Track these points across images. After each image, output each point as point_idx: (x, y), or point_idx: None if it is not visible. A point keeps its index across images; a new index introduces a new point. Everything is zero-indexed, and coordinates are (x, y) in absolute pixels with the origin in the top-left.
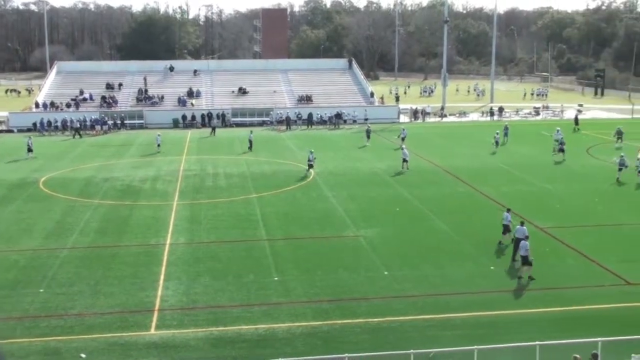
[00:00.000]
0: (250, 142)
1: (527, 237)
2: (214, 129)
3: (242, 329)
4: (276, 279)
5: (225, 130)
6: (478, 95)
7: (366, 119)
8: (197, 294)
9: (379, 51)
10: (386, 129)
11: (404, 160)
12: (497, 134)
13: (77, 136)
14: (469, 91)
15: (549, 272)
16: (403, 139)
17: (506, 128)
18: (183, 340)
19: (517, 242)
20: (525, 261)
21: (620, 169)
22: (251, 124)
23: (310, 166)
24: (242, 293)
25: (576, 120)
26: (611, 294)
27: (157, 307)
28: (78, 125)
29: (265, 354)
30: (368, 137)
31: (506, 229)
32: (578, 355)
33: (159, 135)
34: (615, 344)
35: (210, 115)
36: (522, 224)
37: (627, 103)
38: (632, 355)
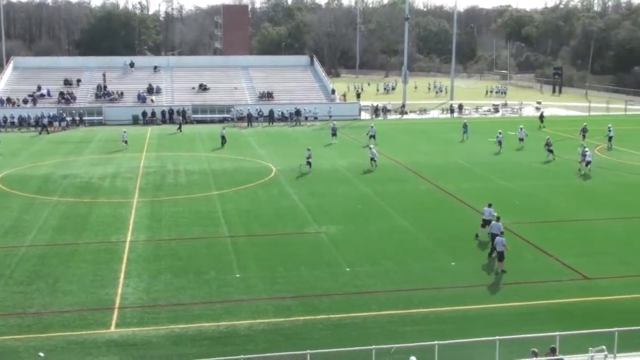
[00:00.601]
0: (224, 137)
1: (502, 233)
2: (180, 125)
3: (203, 326)
4: (238, 276)
5: (185, 127)
6: (437, 92)
7: (330, 116)
8: (158, 291)
9: (340, 48)
10: (347, 126)
11: (372, 159)
12: (500, 133)
13: (44, 132)
14: (429, 88)
15: (508, 267)
16: (372, 137)
17: (465, 126)
18: (144, 338)
19: (493, 237)
20: (502, 256)
21: (581, 161)
22: (212, 121)
23: (309, 163)
24: (204, 290)
25: (541, 117)
26: (569, 289)
27: (117, 305)
28: (46, 122)
29: (227, 351)
30: (334, 134)
31: (486, 223)
32: (536, 349)
33: (125, 132)
34: (573, 337)
35: (178, 112)
36: (497, 219)
37: (585, 101)
38: (589, 348)
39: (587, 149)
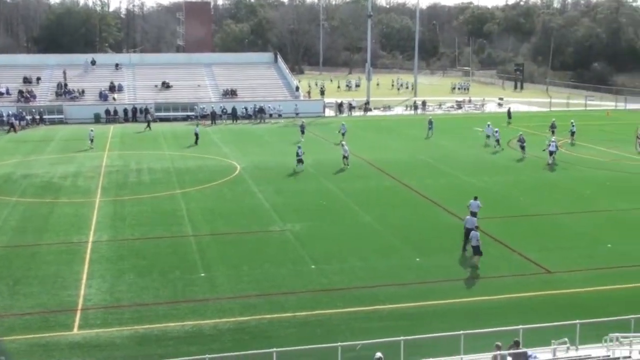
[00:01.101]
0: (197, 135)
1: (477, 228)
2: (149, 123)
3: (168, 327)
4: (203, 275)
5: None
6: (399, 88)
7: (297, 114)
8: (121, 292)
9: (303, 45)
10: (311, 123)
11: (344, 157)
12: (489, 125)
13: (11, 131)
14: (393, 85)
15: (472, 262)
16: (343, 135)
17: (430, 122)
18: (107, 340)
19: (467, 232)
20: (477, 251)
21: (550, 153)
22: (175, 119)
23: (300, 161)
24: (168, 290)
25: (509, 114)
26: (532, 283)
27: (80, 306)
28: (13, 120)
29: (192, 351)
30: (302, 132)
31: (473, 215)
32: (500, 343)
33: (91, 130)
34: (536, 331)
35: (141, 110)
36: (472, 214)
37: (546, 96)
38: (552, 341)
39: (554, 139)
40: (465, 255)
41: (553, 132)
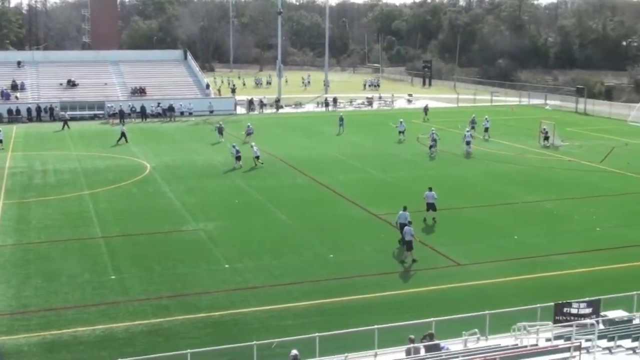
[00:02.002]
0: (123, 133)
1: (410, 222)
2: (65, 122)
3: (78, 331)
4: (113, 277)
5: (54, 124)
6: (305, 85)
7: (211, 112)
8: (28, 297)
9: (213, 42)
10: (222, 121)
11: (256, 157)
12: (401, 122)
13: None
14: (303, 82)
15: (385, 257)
16: (249, 135)
17: (341, 119)
18: (14, 347)
19: (401, 227)
20: (410, 246)
21: (468, 143)
22: (82, 118)
23: (238, 158)
24: (77, 294)
25: (425, 110)
26: (443, 276)
27: None
28: None
29: (104, 356)
30: (220, 133)
31: (429, 207)
32: (412, 336)
33: None
34: (448, 322)
35: (45, 110)
36: (404, 209)
37: (453, 93)
38: (463, 332)
39: (468, 130)
40: (401, 251)
41: (473, 127)
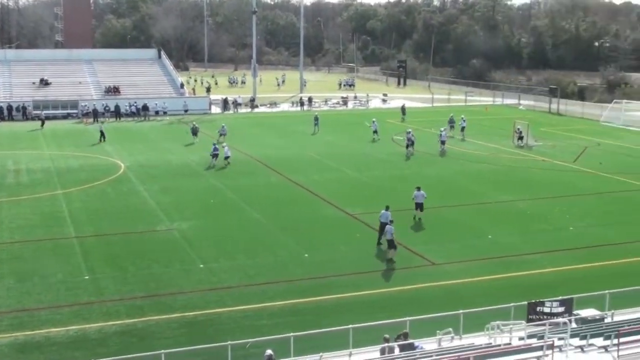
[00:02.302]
0: (102, 133)
1: (391, 222)
2: (43, 121)
3: (51, 332)
4: (87, 277)
5: (27, 123)
6: (279, 85)
7: (186, 111)
8: (0, 297)
9: (188, 41)
10: (197, 120)
11: (226, 157)
12: (374, 121)
13: None
14: (277, 82)
15: (360, 256)
16: (222, 136)
17: (316, 118)
18: None
19: (382, 226)
20: (392, 245)
21: (407, 145)
22: (55, 117)
23: (215, 156)
24: (50, 294)
25: (403, 110)
26: (418, 275)
27: None
28: None
29: (77, 356)
30: (194, 134)
31: (417, 206)
32: (387, 335)
33: None
34: (422, 322)
35: (18, 108)
36: (386, 208)
37: (428, 92)
38: (437, 331)
39: (443, 129)
40: (380, 249)
41: (452, 126)
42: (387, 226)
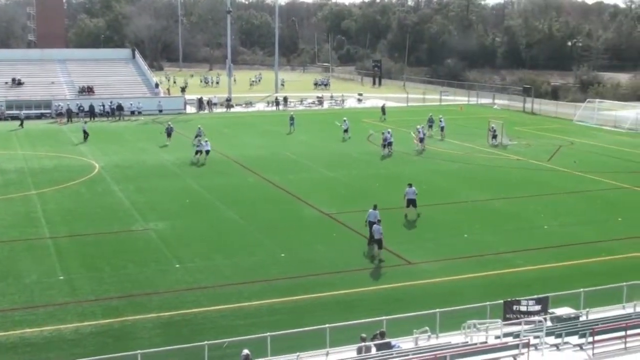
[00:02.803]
0: (85, 132)
1: (379, 221)
2: (22, 121)
3: (25, 333)
4: (61, 278)
5: (0, 123)
6: (253, 84)
7: (160, 111)
8: None
9: (162, 41)
10: (172, 120)
11: (206, 152)
12: (345, 120)
13: None
14: (250, 83)
15: (335, 255)
16: (197, 137)
17: (292, 118)
18: None
19: (370, 225)
20: (380, 244)
21: (384, 145)
22: (28, 117)
23: (198, 152)
24: (25, 295)
25: (383, 110)
26: (394, 274)
27: None
28: None
29: (52, 357)
30: (169, 135)
31: (409, 203)
32: (364, 335)
33: None
34: (399, 321)
35: (11, 108)
36: (374, 207)
37: (403, 92)
38: (414, 330)
39: (420, 127)
40: (371, 249)
41: (431, 126)
42: (375, 225)
